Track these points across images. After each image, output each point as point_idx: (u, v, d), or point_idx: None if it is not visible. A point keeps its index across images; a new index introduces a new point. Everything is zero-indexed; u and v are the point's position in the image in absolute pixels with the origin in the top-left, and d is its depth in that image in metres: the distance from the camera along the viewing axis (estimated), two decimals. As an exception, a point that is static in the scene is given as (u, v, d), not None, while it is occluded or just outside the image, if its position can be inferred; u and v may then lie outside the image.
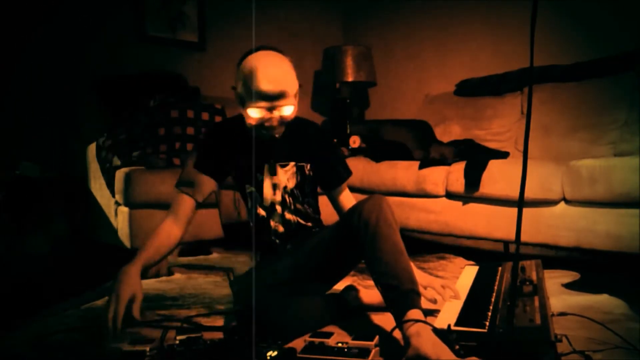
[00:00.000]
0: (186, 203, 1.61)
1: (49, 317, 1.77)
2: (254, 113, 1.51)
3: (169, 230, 1.57)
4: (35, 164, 2.80)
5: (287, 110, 1.52)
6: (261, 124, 1.53)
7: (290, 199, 1.68)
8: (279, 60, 1.53)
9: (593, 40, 3.14)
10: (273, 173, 1.66)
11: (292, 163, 1.68)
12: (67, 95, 3.18)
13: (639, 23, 2.98)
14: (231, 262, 2.38)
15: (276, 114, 1.51)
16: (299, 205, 1.70)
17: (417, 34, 4.12)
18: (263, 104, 1.49)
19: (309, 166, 1.70)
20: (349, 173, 1.77)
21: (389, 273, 1.38)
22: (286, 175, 1.67)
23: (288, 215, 1.68)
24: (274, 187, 1.67)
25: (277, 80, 1.48)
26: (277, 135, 1.57)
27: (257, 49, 1.55)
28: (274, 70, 1.49)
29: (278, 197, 1.67)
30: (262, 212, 1.67)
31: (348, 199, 1.75)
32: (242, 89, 1.52)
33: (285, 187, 1.67)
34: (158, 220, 2.57)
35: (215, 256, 2.84)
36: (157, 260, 1.56)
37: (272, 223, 1.67)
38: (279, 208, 1.67)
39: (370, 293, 1.76)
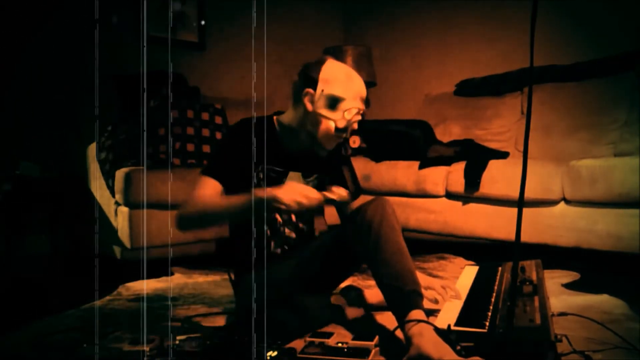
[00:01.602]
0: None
1: (49, 317, 1.77)
2: (350, 114, 1.57)
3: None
4: (35, 164, 2.80)
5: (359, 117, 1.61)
6: (344, 128, 1.58)
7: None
8: None
9: (593, 40, 3.15)
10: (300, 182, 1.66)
11: (315, 175, 1.70)
12: (67, 95, 3.18)
13: (639, 23, 2.98)
14: (198, 284, 2.33)
15: (357, 118, 1.60)
16: (312, 216, 1.70)
17: (417, 34, 4.12)
18: (361, 105, 1.58)
19: (327, 179, 1.71)
20: (358, 194, 1.79)
21: (392, 274, 1.38)
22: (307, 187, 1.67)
23: (301, 225, 1.69)
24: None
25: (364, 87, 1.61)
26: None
27: (325, 59, 1.61)
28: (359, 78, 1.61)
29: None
30: (279, 218, 1.66)
31: None
32: (336, 90, 1.56)
33: None
34: (158, 221, 2.61)
35: (176, 277, 2.43)
36: None
37: (287, 230, 1.67)
38: (293, 216, 1.67)
39: (374, 292, 1.76)
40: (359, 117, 1.60)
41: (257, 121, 1.66)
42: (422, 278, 1.63)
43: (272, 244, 1.66)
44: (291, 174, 1.66)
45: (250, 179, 1.62)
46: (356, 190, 1.79)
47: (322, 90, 1.56)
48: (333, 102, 1.56)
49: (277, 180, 1.62)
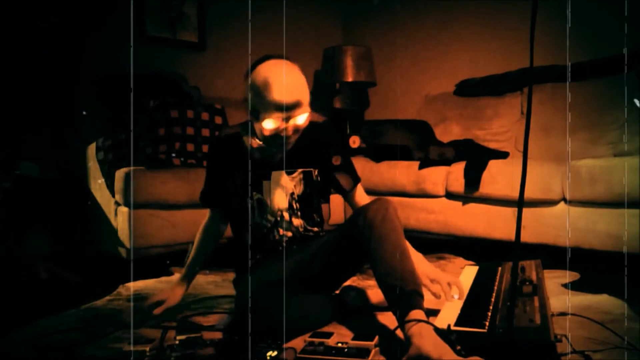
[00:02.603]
0: (213, 213, 1.80)
1: (49, 317, 1.77)
2: (270, 124, 1.51)
3: (204, 237, 1.79)
4: (35, 164, 2.80)
5: (301, 119, 1.53)
6: (276, 134, 1.53)
7: (297, 205, 1.68)
8: (290, 69, 1.52)
9: (593, 40, 3.15)
10: (280, 180, 1.66)
11: (299, 170, 1.69)
12: (67, 95, 3.17)
13: (639, 23, 2.98)
14: (198, 284, 2.32)
15: (291, 123, 1.52)
16: (305, 211, 1.70)
17: (417, 34, 4.12)
18: (279, 114, 1.49)
19: (316, 172, 1.70)
20: (356, 180, 1.76)
21: (392, 274, 1.39)
22: (293, 182, 1.68)
23: (295, 222, 1.69)
24: (282, 194, 1.67)
25: (292, 90, 1.48)
26: (289, 146, 1.58)
27: (265, 58, 1.55)
28: (288, 80, 1.48)
29: (285, 204, 1.67)
30: (270, 217, 1.67)
31: (362, 202, 1.76)
32: (256, 100, 1.51)
33: (292, 194, 1.68)
34: (158, 221, 2.61)
35: (176, 277, 2.36)
36: (202, 263, 1.80)
37: (281, 231, 1.67)
38: (286, 215, 1.67)
39: (377, 292, 1.76)
40: (285, 125, 1.51)
41: (230, 132, 1.71)
42: (430, 270, 1.63)
43: (270, 243, 1.67)
44: (274, 173, 1.66)
45: (231, 187, 1.67)
46: (354, 179, 1.76)
47: (246, 99, 1.55)
48: (254, 112, 1.54)
49: (264, 183, 1.65)
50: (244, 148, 1.66)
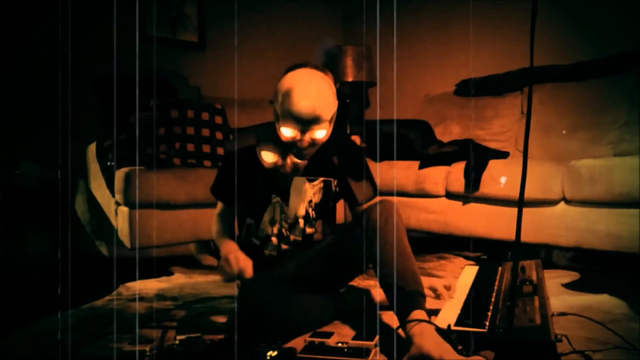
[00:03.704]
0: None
1: (49, 317, 1.77)
2: (286, 132, 1.50)
3: (222, 219, 1.75)
4: (35, 164, 2.80)
5: (320, 134, 1.51)
6: (292, 143, 1.52)
7: (314, 213, 1.67)
8: (318, 82, 1.49)
9: (593, 40, 3.15)
10: (300, 187, 1.65)
11: (321, 179, 1.67)
12: (67, 95, 3.17)
13: (639, 23, 2.98)
14: (198, 284, 2.33)
15: (307, 136, 1.50)
16: (319, 219, 1.70)
17: (417, 34, 4.12)
18: (296, 125, 1.48)
19: (335, 182, 1.69)
20: (368, 199, 1.71)
21: (394, 274, 1.39)
22: (313, 190, 1.67)
23: (308, 230, 1.68)
24: (300, 201, 1.66)
25: (313, 105, 1.45)
26: (306, 157, 1.57)
27: (298, 66, 1.53)
28: (311, 94, 1.46)
29: (302, 211, 1.66)
30: (284, 224, 1.67)
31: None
32: (279, 106, 1.50)
33: (310, 202, 1.67)
34: (158, 220, 2.61)
35: (176, 277, 2.44)
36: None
37: (292, 237, 1.67)
38: (301, 222, 1.67)
39: (381, 291, 1.76)
40: (301, 137, 1.49)
41: (246, 146, 1.66)
42: (424, 280, 1.63)
43: (279, 247, 1.67)
44: (296, 178, 1.65)
45: (251, 191, 1.64)
46: (373, 191, 1.71)
47: (273, 103, 1.55)
48: (277, 115, 1.53)
49: (283, 184, 1.63)
50: (258, 165, 1.62)
